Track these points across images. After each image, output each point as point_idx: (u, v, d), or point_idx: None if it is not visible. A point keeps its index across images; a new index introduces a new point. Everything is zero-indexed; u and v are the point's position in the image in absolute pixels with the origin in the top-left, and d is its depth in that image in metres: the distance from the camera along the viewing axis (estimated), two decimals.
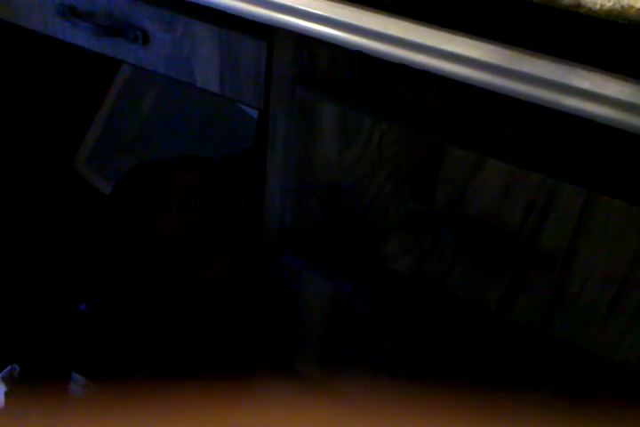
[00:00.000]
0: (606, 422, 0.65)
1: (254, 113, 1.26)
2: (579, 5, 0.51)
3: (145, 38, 0.77)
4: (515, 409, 0.71)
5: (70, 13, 0.80)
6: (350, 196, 0.70)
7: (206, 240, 1.07)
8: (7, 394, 0.96)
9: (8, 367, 1.01)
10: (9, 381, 0.98)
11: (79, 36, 0.82)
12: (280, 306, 0.84)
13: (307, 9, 0.61)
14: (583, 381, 0.66)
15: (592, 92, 0.52)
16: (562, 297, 0.63)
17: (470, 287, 0.68)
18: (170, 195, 1.09)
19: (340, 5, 0.60)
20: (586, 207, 0.58)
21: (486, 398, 0.73)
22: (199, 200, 1.08)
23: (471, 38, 0.56)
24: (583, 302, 0.62)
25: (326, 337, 0.82)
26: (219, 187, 1.06)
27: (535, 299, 0.64)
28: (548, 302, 0.63)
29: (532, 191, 0.60)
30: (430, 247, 0.68)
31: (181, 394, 0.97)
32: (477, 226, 0.64)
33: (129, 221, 1.14)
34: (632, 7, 0.50)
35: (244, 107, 1.26)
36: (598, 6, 0.51)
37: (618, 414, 0.65)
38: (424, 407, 0.77)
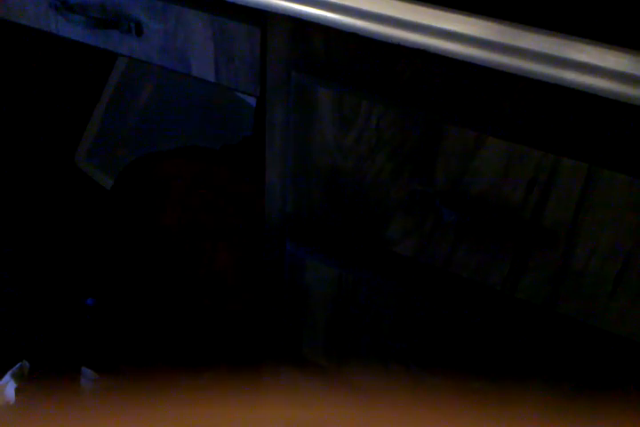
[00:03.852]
0: (613, 400, 0.65)
1: (253, 101, 1.26)
2: None
3: (138, 29, 0.77)
4: (522, 390, 0.71)
5: (63, 7, 0.80)
6: (350, 180, 0.70)
7: (210, 231, 1.07)
8: (18, 390, 0.97)
9: (18, 364, 1.01)
10: (19, 377, 0.99)
11: (73, 29, 0.82)
12: (285, 293, 0.84)
13: None
14: (590, 357, 0.66)
15: (590, 64, 0.51)
16: (567, 274, 0.62)
17: (474, 268, 0.67)
18: (171, 187, 1.09)
19: None
20: (588, 182, 0.57)
21: (494, 381, 0.72)
22: (201, 191, 1.08)
23: (466, 15, 0.55)
24: (588, 278, 0.61)
25: (333, 323, 0.82)
26: (219, 177, 1.06)
27: (540, 277, 0.64)
28: (553, 279, 0.63)
29: (532, 168, 0.59)
30: (433, 229, 0.68)
31: (191, 386, 0.97)
32: (479, 205, 0.64)
33: (132, 214, 1.14)
34: None
35: (242, 95, 1.26)
36: None
37: (625, 391, 0.64)
38: (433, 393, 0.77)
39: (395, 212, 0.69)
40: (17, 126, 1.23)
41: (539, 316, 0.68)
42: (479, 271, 0.67)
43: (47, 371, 1.03)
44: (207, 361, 1.05)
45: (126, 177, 1.15)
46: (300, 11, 0.62)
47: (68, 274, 1.21)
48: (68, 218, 1.26)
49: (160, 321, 1.13)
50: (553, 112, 0.58)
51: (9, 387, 0.98)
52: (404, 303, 0.75)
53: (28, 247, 1.23)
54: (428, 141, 0.63)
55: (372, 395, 0.84)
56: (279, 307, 0.86)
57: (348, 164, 0.69)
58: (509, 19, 0.54)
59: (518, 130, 0.60)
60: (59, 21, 0.82)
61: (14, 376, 0.99)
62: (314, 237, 0.78)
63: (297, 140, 0.71)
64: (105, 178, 1.33)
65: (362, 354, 0.82)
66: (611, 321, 0.62)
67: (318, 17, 0.61)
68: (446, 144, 0.62)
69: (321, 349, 0.85)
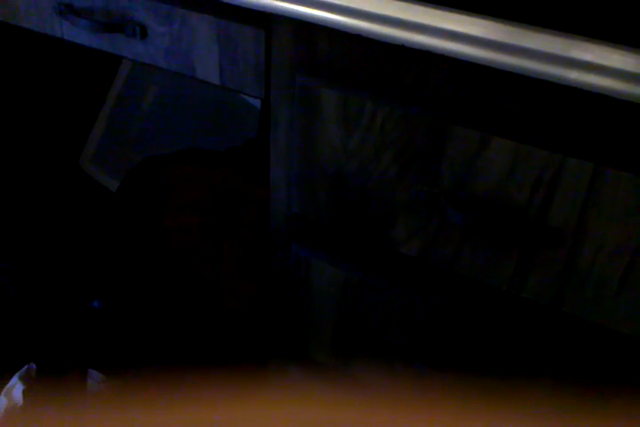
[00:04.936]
0: (620, 399, 0.64)
1: (257, 103, 1.26)
2: None
3: (143, 33, 0.77)
4: (528, 389, 0.71)
5: (68, 11, 0.80)
6: (355, 181, 0.70)
7: (215, 232, 1.07)
8: (25, 392, 0.97)
9: (25, 366, 1.02)
10: (26, 379, 0.99)
11: (78, 33, 0.82)
12: (291, 295, 0.84)
13: None
14: (596, 355, 0.66)
15: (594, 63, 0.51)
16: (573, 272, 0.62)
17: (480, 268, 0.67)
18: (176, 189, 1.09)
19: None
20: (593, 181, 0.57)
21: (501, 380, 0.72)
22: (205, 193, 1.08)
23: (469, 15, 0.55)
24: (594, 277, 0.61)
25: (339, 324, 0.82)
26: (224, 179, 1.06)
27: (546, 276, 0.64)
28: (559, 278, 0.63)
29: (538, 168, 0.59)
30: (438, 229, 0.68)
31: (197, 387, 0.97)
32: (485, 205, 0.64)
33: (137, 216, 1.14)
34: None
35: (247, 97, 1.26)
36: None
37: (631, 390, 0.64)
38: (439, 392, 0.77)
39: (400, 212, 0.69)
40: (22, 130, 1.23)
41: (545, 315, 0.68)
42: (485, 271, 0.67)
43: (54, 373, 1.03)
44: (213, 362, 1.05)
45: (131, 180, 1.15)
46: (304, 13, 0.62)
47: (74, 276, 1.21)
48: (73, 221, 1.27)
49: (166, 322, 1.13)
50: (558, 112, 0.58)
51: (16, 389, 0.98)
52: (409, 303, 0.75)
53: (34, 250, 1.23)
54: (433, 142, 0.63)
55: (378, 394, 0.84)
56: (285, 307, 0.86)
57: (353, 165, 0.69)
58: (513, 19, 0.54)
59: (523, 130, 0.60)
60: (63, 25, 0.83)
61: (22, 378, 0.99)
62: (319, 237, 0.79)
63: (302, 142, 0.72)
64: (110, 181, 1.33)
65: (368, 353, 0.82)
66: (617, 320, 0.62)
67: (322, 19, 0.61)
68: (451, 145, 0.63)
69: (327, 348, 0.85)
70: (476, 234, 0.66)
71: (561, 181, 0.59)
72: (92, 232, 1.23)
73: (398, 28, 0.58)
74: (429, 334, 0.75)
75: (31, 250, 1.23)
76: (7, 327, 1.12)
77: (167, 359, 1.08)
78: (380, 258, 0.75)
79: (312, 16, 0.62)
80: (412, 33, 0.57)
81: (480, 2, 0.56)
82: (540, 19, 0.54)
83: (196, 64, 0.76)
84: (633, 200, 0.56)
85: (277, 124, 0.74)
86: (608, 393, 0.66)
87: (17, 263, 1.18)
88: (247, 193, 1.06)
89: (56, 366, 1.05)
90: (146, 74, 1.33)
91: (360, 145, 0.68)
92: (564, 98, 0.57)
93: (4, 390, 0.99)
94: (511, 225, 0.63)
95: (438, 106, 0.63)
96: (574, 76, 0.52)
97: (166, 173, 1.10)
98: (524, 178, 0.60)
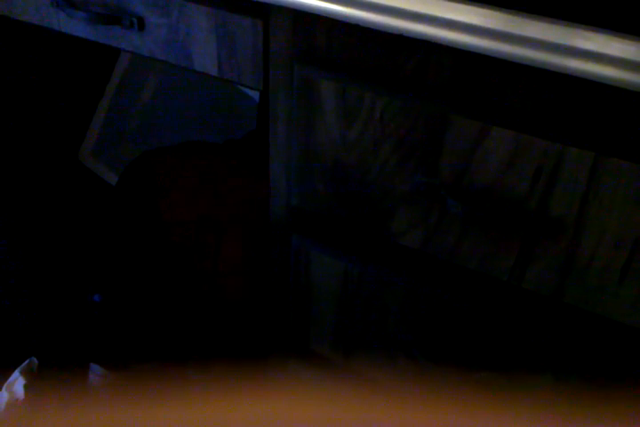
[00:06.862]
0: (622, 391, 0.64)
1: (256, 95, 1.26)
2: None
3: (140, 24, 0.76)
4: (530, 381, 0.71)
5: (65, 3, 0.79)
6: (355, 172, 0.70)
7: (215, 225, 1.07)
8: (26, 387, 0.97)
9: (27, 360, 1.02)
10: (28, 373, 0.99)
11: (75, 25, 0.82)
12: (291, 287, 0.83)
13: None
14: (598, 347, 0.66)
15: (595, 52, 0.51)
16: (574, 263, 0.62)
17: (481, 259, 0.67)
18: (175, 182, 1.09)
19: None
20: (594, 171, 0.57)
21: (502, 372, 0.72)
22: (205, 186, 1.08)
23: (468, 4, 0.55)
24: (595, 268, 0.61)
25: (339, 316, 0.82)
26: (224, 171, 1.06)
27: (547, 267, 0.64)
28: (560, 269, 0.63)
29: (538, 158, 0.59)
30: (438, 220, 0.67)
31: (198, 381, 0.97)
32: (485, 196, 0.63)
33: (137, 209, 1.14)
34: None
35: (245, 89, 1.26)
36: None
37: (634, 382, 0.64)
38: (440, 385, 0.77)
39: (400, 204, 0.69)
40: (21, 124, 1.23)
41: (546, 306, 0.67)
42: (485, 262, 0.67)
43: (56, 367, 1.03)
44: (213, 355, 1.05)
45: (131, 173, 1.15)
46: (302, 3, 0.61)
47: (75, 270, 1.21)
48: (73, 215, 1.27)
49: (167, 316, 1.13)
50: (558, 101, 0.57)
51: (18, 383, 0.98)
52: (410, 295, 0.75)
53: (34, 244, 1.23)
54: (433, 132, 0.63)
55: (379, 387, 0.84)
56: (286, 300, 0.86)
57: (353, 156, 0.69)
58: (513, 7, 0.54)
59: (523, 119, 0.59)
60: (60, 18, 0.82)
61: (23, 373, 1.00)
62: (319, 229, 0.78)
63: (301, 134, 0.71)
64: (110, 174, 1.33)
65: (369, 346, 0.82)
66: (619, 311, 0.62)
67: (320, 9, 0.61)
68: (451, 135, 0.62)
69: (328, 341, 0.85)
70: (477, 225, 0.66)
71: (561, 171, 0.58)
72: (92, 226, 1.23)
73: (397, 17, 0.58)
74: (430, 326, 0.75)
75: (31, 244, 1.22)
76: (8, 322, 1.12)
77: (168, 353, 1.08)
78: (381, 250, 0.75)
79: (310, 6, 0.61)
80: (410, 22, 0.57)
81: None
82: (539, 7, 0.53)
83: (194, 56, 0.75)
84: (634, 190, 0.56)
85: (276, 116, 0.73)
86: (610, 386, 0.66)
87: (16, 258, 1.18)
88: (246, 185, 1.06)
89: (57, 360, 1.05)
90: (144, 66, 1.32)
91: (359, 136, 0.67)
92: (565, 87, 0.56)
93: (6, 384, 0.99)
94: (511, 216, 0.63)
95: (438, 96, 0.62)
96: (574, 64, 0.52)
97: (165, 166, 1.10)
98: (525, 168, 0.60)
